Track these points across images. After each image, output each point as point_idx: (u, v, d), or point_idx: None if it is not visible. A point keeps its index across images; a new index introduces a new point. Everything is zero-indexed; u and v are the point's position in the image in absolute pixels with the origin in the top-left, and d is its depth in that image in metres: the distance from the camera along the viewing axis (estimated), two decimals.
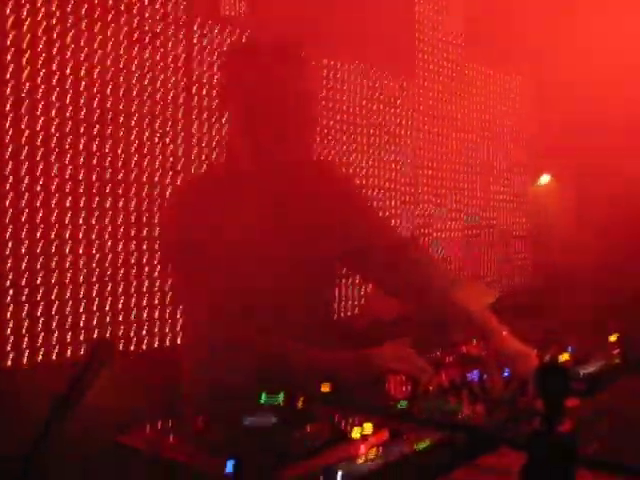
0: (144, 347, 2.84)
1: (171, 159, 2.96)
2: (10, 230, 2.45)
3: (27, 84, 2.53)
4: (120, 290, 2.75)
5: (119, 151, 2.78)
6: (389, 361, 1.67)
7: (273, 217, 1.87)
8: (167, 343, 2.92)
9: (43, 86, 2.58)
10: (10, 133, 2.49)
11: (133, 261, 2.79)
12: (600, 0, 4.43)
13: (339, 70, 3.84)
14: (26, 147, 2.52)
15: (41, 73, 2.57)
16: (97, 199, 2.70)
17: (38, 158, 2.55)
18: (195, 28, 3.06)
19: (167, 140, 2.96)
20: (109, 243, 2.71)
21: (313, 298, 1.95)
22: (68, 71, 2.65)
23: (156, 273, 2.85)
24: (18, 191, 2.49)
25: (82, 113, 2.69)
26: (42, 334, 2.49)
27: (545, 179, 2.80)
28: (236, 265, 1.78)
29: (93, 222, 2.68)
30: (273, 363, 1.72)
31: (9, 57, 2.50)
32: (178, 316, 2.86)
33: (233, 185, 1.89)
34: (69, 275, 2.59)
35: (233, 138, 2.05)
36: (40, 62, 2.56)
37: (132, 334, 2.79)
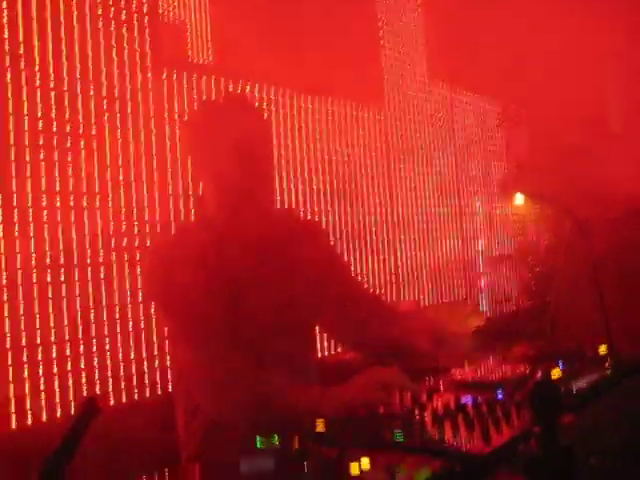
0: (135, 398, 2.80)
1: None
2: None
3: None
4: (107, 345, 2.73)
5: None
6: (370, 392, 1.66)
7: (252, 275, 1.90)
8: (159, 392, 2.89)
9: None
10: None
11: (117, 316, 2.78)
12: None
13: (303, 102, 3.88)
14: None
15: None
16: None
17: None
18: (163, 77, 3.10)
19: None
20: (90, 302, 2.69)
21: (296, 358, 1.96)
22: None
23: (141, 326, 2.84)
24: None
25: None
26: (29, 396, 2.46)
27: (519, 199, 2.83)
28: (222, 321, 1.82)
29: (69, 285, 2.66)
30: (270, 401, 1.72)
31: None
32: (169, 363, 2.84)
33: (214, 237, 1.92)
34: (53, 335, 2.56)
35: (204, 189, 2.09)
36: None
37: (122, 387, 2.76)
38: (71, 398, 2.58)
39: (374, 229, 4.22)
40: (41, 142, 2.66)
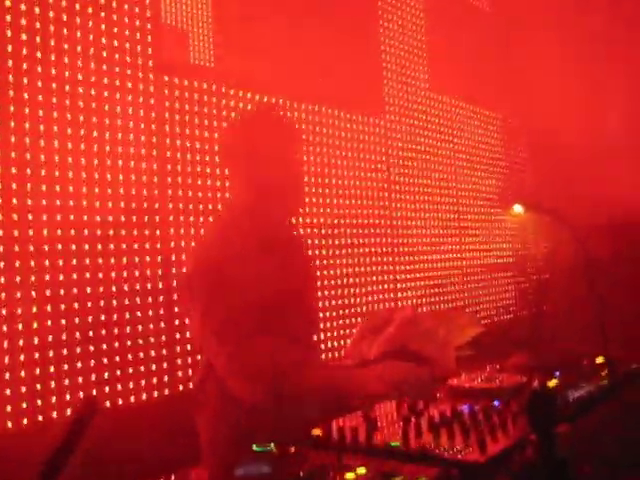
0: (132, 400, 2.80)
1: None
2: None
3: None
4: (105, 347, 2.72)
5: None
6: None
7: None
8: (155, 395, 2.90)
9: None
10: None
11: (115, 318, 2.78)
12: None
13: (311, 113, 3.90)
14: None
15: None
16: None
17: None
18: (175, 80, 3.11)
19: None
20: (89, 303, 2.69)
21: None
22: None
23: (139, 327, 2.83)
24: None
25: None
26: (26, 398, 2.46)
27: (518, 208, 2.84)
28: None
29: (74, 277, 2.66)
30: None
31: None
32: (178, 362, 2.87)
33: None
34: (51, 336, 2.56)
35: (235, 192, 2.32)
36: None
37: (119, 388, 2.75)
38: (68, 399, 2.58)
39: (373, 234, 4.23)
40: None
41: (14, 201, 2.54)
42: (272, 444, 1.45)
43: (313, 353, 2.15)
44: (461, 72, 4.87)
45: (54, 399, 2.55)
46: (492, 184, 5.51)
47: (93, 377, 2.68)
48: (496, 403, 1.66)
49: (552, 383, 1.80)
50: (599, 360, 2.05)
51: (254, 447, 1.45)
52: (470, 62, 4.83)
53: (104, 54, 2.85)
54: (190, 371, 3.04)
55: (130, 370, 2.82)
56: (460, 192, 5.12)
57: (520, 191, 5.48)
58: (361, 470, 1.23)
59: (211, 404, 2.04)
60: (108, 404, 2.70)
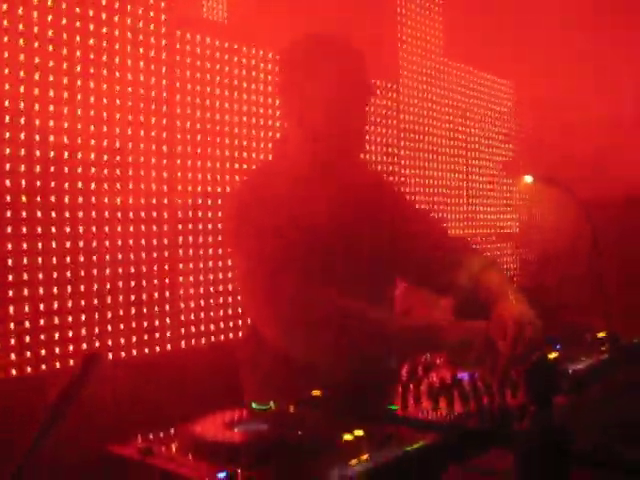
0: (134, 353, 2.82)
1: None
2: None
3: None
4: (109, 300, 2.73)
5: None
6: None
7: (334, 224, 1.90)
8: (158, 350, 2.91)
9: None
10: None
11: (121, 271, 2.78)
12: None
13: None
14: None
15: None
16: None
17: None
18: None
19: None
20: (95, 256, 2.68)
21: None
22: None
23: (144, 283, 2.83)
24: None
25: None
26: (30, 346, 2.47)
27: (528, 180, 2.82)
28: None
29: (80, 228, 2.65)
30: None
31: None
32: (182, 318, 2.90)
33: (294, 183, 1.90)
34: (56, 288, 2.56)
35: (289, 133, 2.05)
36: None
37: (123, 342, 2.77)
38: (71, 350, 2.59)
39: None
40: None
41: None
42: (271, 403, 1.46)
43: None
44: (476, 39, 4.78)
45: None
46: (502, 153, 5.46)
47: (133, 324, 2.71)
48: None
49: (552, 355, 1.80)
50: (601, 334, 2.05)
51: (253, 405, 1.47)
52: (485, 30, 4.74)
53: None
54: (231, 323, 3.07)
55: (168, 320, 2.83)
56: (470, 160, 5.09)
57: (530, 162, 5.43)
58: (359, 432, 1.24)
59: (259, 365, 1.96)
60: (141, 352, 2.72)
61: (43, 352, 2.46)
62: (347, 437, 1.22)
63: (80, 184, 2.59)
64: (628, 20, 4.61)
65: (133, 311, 2.76)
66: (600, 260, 2.22)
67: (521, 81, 5.45)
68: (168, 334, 2.85)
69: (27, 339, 2.43)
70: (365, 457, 1.16)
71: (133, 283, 2.74)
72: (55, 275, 2.51)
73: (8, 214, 2.40)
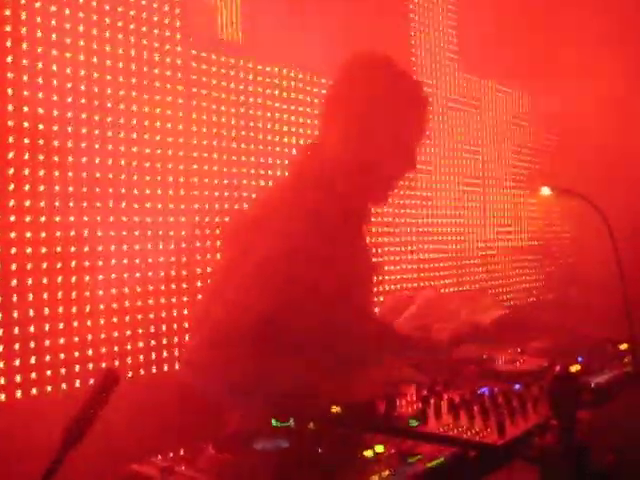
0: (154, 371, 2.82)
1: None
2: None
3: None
4: (128, 319, 2.74)
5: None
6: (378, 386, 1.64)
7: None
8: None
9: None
10: None
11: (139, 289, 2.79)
12: None
13: None
14: None
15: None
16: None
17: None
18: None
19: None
20: (112, 275, 2.69)
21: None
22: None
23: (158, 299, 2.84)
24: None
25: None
26: (50, 367, 2.48)
27: (546, 191, 2.80)
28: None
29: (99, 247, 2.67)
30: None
31: None
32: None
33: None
34: (75, 307, 2.57)
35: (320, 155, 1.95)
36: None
37: (141, 360, 2.77)
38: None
39: (397, 214, 4.20)
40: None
41: None
42: (291, 419, 1.45)
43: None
44: (491, 52, 4.78)
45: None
46: (520, 165, 5.44)
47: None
48: (517, 386, 1.65)
49: (574, 368, 1.78)
50: (623, 346, 2.03)
51: (273, 422, 1.46)
52: (501, 42, 4.74)
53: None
54: None
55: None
56: (487, 173, 5.07)
57: (549, 174, 5.40)
58: (379, 448, 1.23)
59: None
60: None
61: (63, 371, 2.47)
62: (368, 453, 1.22)
63: (99, 203, 2.61)
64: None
65: (152, 329, 2.77)
66: (622, 271, 2.19)
67: (537, 93, 5.44)
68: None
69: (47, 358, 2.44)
70: (386, 473, 1.15)
71: (151, 301, 2.76)
72: (74, 295, 2.53)
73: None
